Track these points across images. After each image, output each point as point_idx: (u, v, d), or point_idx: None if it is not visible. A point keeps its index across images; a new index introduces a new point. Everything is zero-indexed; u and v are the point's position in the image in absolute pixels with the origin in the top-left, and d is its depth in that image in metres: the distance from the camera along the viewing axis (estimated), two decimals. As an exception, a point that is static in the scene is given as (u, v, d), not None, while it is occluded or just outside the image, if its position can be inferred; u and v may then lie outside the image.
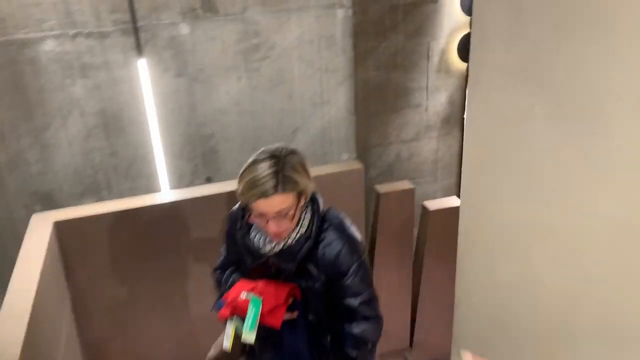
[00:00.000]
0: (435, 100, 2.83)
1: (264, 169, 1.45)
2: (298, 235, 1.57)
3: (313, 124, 2.70)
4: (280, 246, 1.56)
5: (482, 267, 1.32)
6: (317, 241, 1.58)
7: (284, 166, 1.46)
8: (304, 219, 1.58)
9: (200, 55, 2.46)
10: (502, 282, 1.27)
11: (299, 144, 2.71)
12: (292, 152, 1.51)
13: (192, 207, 2.39)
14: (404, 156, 2.90)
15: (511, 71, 1.07)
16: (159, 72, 2.43)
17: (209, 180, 2.65)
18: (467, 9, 2.66)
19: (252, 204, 1.47)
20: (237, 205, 1.72)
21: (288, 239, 1.56)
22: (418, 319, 2.90)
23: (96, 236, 2.31)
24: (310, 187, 1.54)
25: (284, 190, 1.45)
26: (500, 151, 1.12)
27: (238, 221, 1.64)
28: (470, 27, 2.71)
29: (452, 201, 2.73)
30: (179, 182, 2.63)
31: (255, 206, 1.47)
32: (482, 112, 1.17)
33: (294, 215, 1.51)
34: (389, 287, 2.78)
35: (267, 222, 1.49)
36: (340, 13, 2.55)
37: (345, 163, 2.69)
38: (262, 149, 1.53)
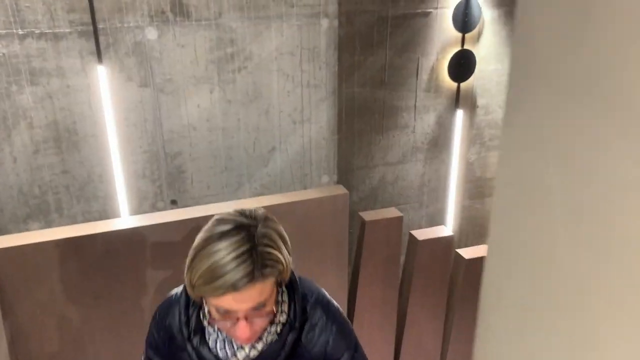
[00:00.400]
0: (423, 121, 2.64)
1: (230, 248, 1.01)
2: (279, 327, 1.16)
3: (292, 143, 2.47)
4: (258, 350, 1.15)
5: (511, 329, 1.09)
6: (301, 327, 1.19)
7: (259, 241, 1.03)
8: (282, 302, 1.17)
9: (169, 64, 2.20)
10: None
11: (275, 164, 2.48)
12: (266, 219, 1.09)
13: (154, 234, 2.14)
14: (388, 180, 2.69)
15: (570, 88, 0.84)
16: (121, 80, 2.16)
17: (174, 203, 2.38)
18: (460, 24, 2.50)
19: (213, 299, 1.04)
20: (174, 295, 1.26)
21: (267, 335, 1.15)
22: (402, 358, 2.69)
23: (41, 268, 2.02)
24: (291, 262, 1.12)
25: (264, 277, 1.03)
26: (550, 189, 0.90)
27: (180, 325, 1.17)
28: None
29: (442, 231, 2.56)
30: (140, 205, 2.34)
31: (219, 303, 1.04)
32: (527, 139, 0.95)
33: (272, 307, 1.10)
34: (372, 322, 2.57)
35: (235, 322, 1.06)
36: (325, 23, 2.33)
37: (328, 187, 2.47)
38: (217, 216, 1.09)
